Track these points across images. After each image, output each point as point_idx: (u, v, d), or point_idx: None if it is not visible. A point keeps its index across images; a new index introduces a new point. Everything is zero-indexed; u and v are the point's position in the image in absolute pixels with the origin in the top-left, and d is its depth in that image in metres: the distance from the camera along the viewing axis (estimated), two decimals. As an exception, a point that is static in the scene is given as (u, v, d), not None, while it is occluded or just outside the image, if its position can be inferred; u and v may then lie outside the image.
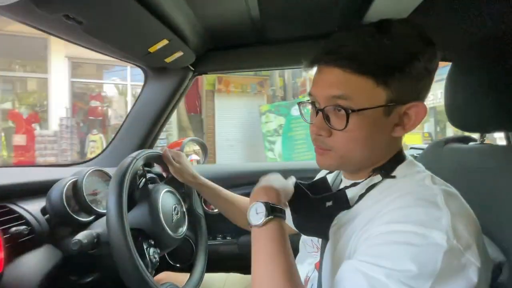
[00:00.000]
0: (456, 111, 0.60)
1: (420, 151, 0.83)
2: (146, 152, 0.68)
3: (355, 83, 0.40)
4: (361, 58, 0.39)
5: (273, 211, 0.42)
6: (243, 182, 1.14)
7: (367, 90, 0.40)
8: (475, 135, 0.71)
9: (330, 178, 0.60)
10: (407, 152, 0.50)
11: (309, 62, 0.45)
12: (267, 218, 0.41)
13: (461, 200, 0.40)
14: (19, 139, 4.55)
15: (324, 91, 0.43)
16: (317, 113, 0.44)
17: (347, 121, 0.40)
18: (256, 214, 0.42)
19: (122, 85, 5.99)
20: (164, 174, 0.80)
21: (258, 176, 1.09)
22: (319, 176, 0.61)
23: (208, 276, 0.82)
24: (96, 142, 5.23)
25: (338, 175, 0.57)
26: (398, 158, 0.46)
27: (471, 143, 0.68)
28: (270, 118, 5.08)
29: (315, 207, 0.48)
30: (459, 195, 0.41)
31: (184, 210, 0.75)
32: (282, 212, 0.44)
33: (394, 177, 0.44)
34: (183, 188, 0.82)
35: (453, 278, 0.33)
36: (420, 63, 0.39)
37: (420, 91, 0.42)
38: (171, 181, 0.78)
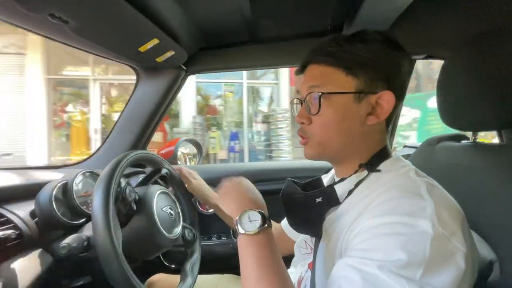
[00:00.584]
0: (449, 109, 0.60)
1: (414, 150, 0.83)
2: (144, 153, 0.67)
3: (328, 73, 0.47)
4: (334, 54, 0.46)
5: (264, 218, 0.45)
6: None
7: (338, 79, 0.46)
8: (468, 133, 0.71)
9: (326, 179, 0.61)
10: (401, 151, 0.50)
11: (300, 66, 0.52)
12: (263, 227, 0.44)
13: (443, 191, 0.42)
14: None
15: (305, 85, 0.49)
16: (301, 105, 0.51)
17: (319, 105, 0.46)
18: (250, 222, 0.44)
19: (238, 83, 5.95)
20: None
21: (258, 176, 1.07)
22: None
23: (202, 277, 0.81)
24: (216, 139, 5.35)
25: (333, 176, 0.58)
26: (383, 154, 0.49)
27: (463, 141, 0.67)
28: (403, 111, 4.81)
29: (305, 203, 0.50)
30: (440, 187, 0.43)
31: (179, 211, 0.74)
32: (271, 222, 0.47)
33: (379, 171, 0.46)
34: (180, 192, 0.81)
35: (442, 265, 0.34)
36: (387, 61, 0.45)
37: (391, 84, 0.46)
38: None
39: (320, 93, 0.46)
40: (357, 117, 0.46)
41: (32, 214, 0.67)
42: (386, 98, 0.45)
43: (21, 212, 0.65)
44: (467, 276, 0.35)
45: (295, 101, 0.53)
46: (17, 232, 0.61)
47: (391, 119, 0.50)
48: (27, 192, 0.70)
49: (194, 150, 1.35)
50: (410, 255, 0.34)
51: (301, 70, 0.51)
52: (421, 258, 0.34)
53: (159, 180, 0.76)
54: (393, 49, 0.46)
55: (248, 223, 0.44)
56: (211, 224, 1.13)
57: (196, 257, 0.77)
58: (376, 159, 0.48)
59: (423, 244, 0.34)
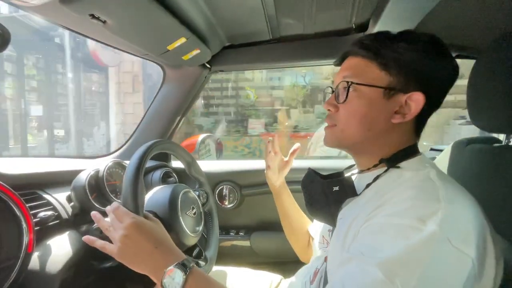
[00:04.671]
0: (480, 111, 0.57)
1: (440, 153, 0.80)
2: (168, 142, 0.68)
3: (362, 65, 0.48)
4: (372, 49, 0.46)
5: (183, 266, 0.45)
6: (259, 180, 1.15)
7: (371, 72, 0.47)
8: (500, 136, 0.68)
9: (348, 175, 0.61)
10: (427, 154, 0.49)
11: (339, 58, 0.54)
12: (187, 275, 0.44)
13: (464, 196, 0.40)
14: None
15: (339, 74, 0.51)
16: (332, 94, 0.52)
17: (347, 94, 0.47)
18: (173, 280, 0.44)
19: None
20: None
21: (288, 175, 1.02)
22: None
23: (220, 269, 0.84)
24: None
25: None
26: (409, 151, 0.48)
27: (495, 144, 0.64)
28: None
29: (323, 189, 0.51)
30: (464, 190, 0.41)
31: (201, 211, 0.76)
32: (192, 260, 0.48)
33: (398, 167, 0.46)
34: (201, 189, 0.84)
35: (444, 269, 0.34)
36: (426, 63, 0.44)
37: (426, 87, 0.45)
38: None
39: (349, 83, 0.47)
40: (383, 113, 0.46)
41: (68, 199, 0.73)
42: (416, 98, 0.45)
43: (59, 196, 0.71)
44: (481, 285, 0.35)
45: (328, 90, 0.55)
46: (55, 214, 0.67)
47: (423, 122, 0.49)
48: (64, 179, 0.76)
49: (214, 146, 1.39)
50: (411, 257, 0.34)
51: (340, 61, 0.53)
52: (422, 260, 0.33)
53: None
54: (437, 52, 0.45)
55: (173, 282, 0.44)
56: (229, 219, 1.16)
57: (213, 250, 0.79)
58: (398, 156, 0.47)
59: (426, 248, 0.34)
